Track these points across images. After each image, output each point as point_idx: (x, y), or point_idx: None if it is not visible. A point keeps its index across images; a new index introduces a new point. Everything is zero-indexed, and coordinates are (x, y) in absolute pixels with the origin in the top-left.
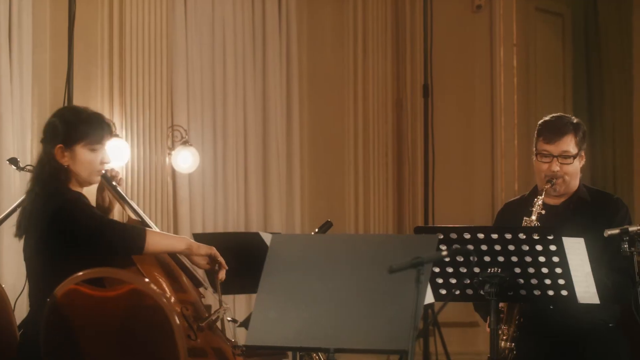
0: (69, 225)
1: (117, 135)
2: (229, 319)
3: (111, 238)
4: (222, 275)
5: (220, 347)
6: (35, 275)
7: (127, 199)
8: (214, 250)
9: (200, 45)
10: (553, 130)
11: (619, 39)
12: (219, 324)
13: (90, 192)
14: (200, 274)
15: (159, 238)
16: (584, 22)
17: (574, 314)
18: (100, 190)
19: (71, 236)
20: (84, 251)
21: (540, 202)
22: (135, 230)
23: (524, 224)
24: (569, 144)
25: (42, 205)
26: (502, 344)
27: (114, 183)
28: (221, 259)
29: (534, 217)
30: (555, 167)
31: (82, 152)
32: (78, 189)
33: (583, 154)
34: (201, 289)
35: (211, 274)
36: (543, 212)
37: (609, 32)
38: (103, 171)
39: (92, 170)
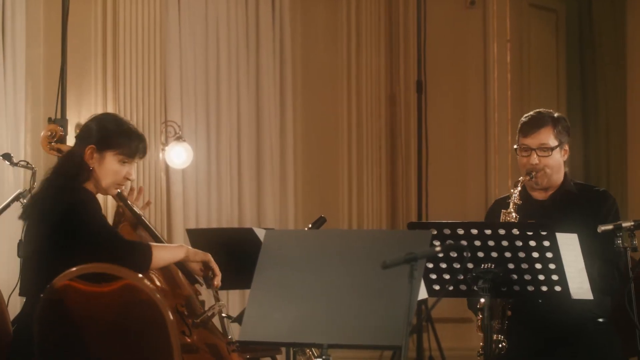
0: (79, 227)
1: None
2: (224, 315)
3: (120, 254)
4: (217, 282)
5: (214, 344)
6: (32, 267)
7: (148, 225)
8: (208, 257)
9: (193, 41)
10: (530, 124)
11: (613, 35)
12: (217, 321)
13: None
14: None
15: (162, 253)
16: (578, 18)
17: (565, 309)
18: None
19: (79, 238)
20: (87, 255)
21: (517, 194)
22: (143, 249)
23: (502, 216)
24: (547, 136)
25: (53, 196)
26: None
27: (138, 212)
28: (215, 266)
29: (511, 209)
30: (534, 160)
31: (111, 160)
32: (95, 193)
33: (567, 147)
34: (197, 285)
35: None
36: (519, 202)
37: (603, 28)
38: (121, 189)
39: (115, 181)
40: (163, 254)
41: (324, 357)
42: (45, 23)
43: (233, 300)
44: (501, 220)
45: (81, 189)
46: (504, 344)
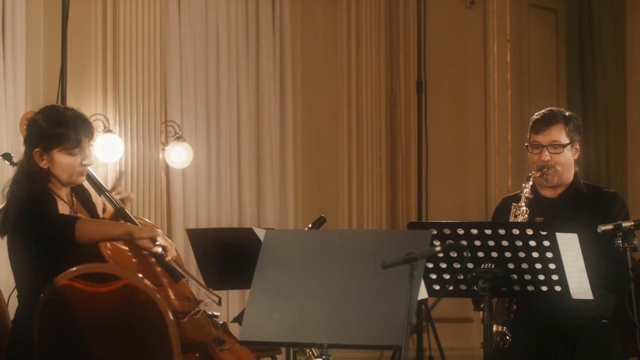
0: (30, 222)
1: (110, 131)
2: (209, 313)
3: (46, 227)
4: (170, 254)
5: (202, 342)
6: (19, 272)
7: (132, 218)
8: (155, 232)
9: (193, 41)
10: (542, 121)
11: (613, 35)
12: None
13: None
14: (193, 271)
15: (91, 225)
16: (578, 18)
17: (568, 309)
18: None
19: (29, 231)
20: (43, 247)
21: (528, 189)
22: (66, 219)
23: (512, 209)
24: (559, 133)
25: (15, 204)
26: (495, 328)
27: (120, 205)
28: (162, 240)
29: (522, 203)
30: (546, 156)
31: (59, 157)
32: (60, 189)
33: (577, 146)
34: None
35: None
36: (531, 196)
37: (603, 28)
38: (88, 171)
39: (72, 172)
40: (91, 227)
41: (324, 357)
42: (45, 23)
43: (233, 301)
44: (512, 214)
45: (40, 189)
46: (508, 337)
